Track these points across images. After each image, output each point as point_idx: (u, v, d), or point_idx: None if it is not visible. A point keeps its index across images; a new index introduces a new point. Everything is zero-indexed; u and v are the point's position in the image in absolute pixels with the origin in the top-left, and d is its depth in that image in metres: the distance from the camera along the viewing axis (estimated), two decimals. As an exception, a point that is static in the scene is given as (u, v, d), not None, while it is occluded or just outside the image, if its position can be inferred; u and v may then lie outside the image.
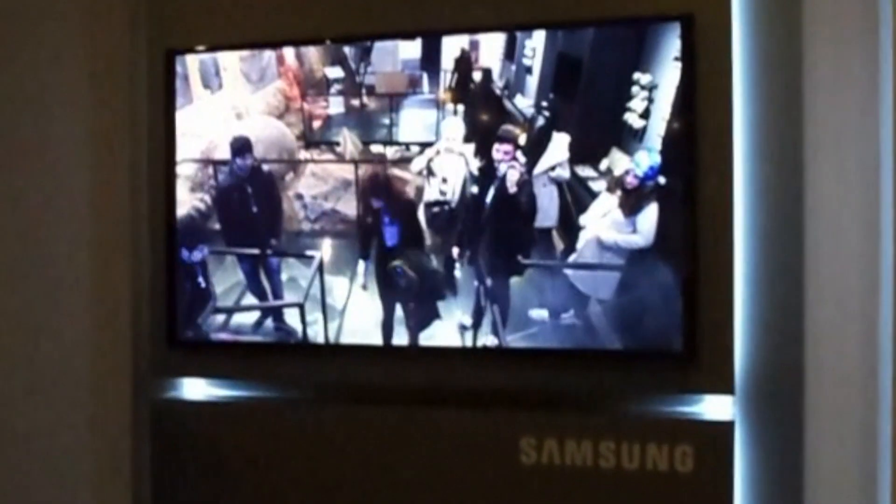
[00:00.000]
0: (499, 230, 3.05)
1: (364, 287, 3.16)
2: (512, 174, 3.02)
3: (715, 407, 2.92)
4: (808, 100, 2.83)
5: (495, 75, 3.04)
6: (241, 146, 3.24)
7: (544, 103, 2.99)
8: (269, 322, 3.25)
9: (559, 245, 2.99)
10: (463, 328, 3.07)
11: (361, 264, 3.17)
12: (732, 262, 2.88)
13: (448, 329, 3.09)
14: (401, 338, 3.13)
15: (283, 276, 3.23)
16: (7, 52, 3.29)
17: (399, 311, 3.15)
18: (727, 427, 2.89)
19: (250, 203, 3.26)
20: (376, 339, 3.15)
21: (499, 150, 3.04)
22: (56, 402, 3.32)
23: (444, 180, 3.09)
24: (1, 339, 3.30)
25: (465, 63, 3.06)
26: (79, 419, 3.32)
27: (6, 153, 3.30)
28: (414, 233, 3.13)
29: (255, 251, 3.26)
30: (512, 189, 3.02)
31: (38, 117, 3.30)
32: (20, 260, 3.31)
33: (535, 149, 3.01)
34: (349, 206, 3.16)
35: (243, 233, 3.28)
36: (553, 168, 2.99)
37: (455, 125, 3.08)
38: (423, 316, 3.12)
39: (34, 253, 3.32)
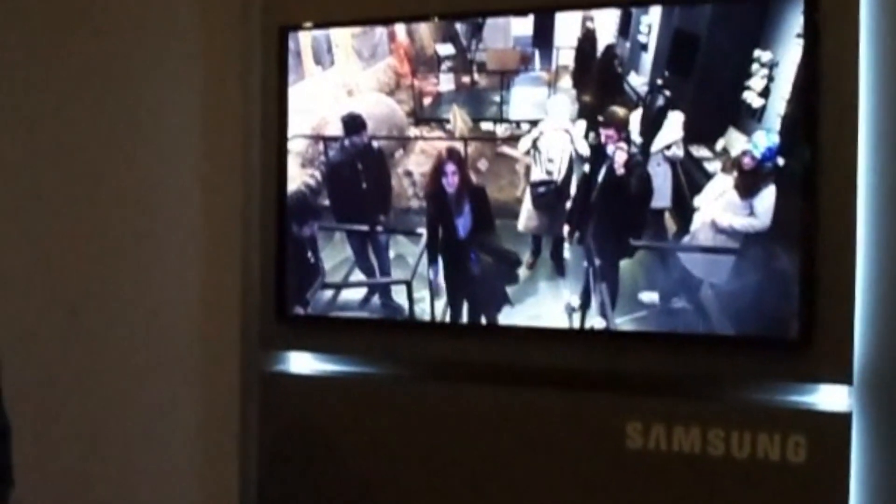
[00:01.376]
0: (608, 210, 3.00)
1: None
2: (620, 155, 2.96)
3: (831, 397, 2.82)
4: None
5: (610, 52, 2.97)
6: (356, 123, 3.25)
7: (659, 81, 2.92)
8: (376, 299, 3.26)
9: (672, 227, 2.92)
10: (571, 309, 3.03)
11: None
12: (854, 248, 2.77)
13: (556, 310, 3.05)
14: (507, 318, 3.11)
15: (391, 253, 3.24)
16: (121, 30, 3.38)
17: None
18: (843, 418, 2.78)
19: (360, 179, 3.27)
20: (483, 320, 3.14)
21: (603, 134, 2.98)
22: (170, 374, 3.41)
23: (550, 160, 3.05)
24: (119, 314, 3.40)
25: (581, 40, 3.00)
26: (191, 391, 3.40)
27: (122, 129, 3.39)
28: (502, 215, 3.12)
29: (364, 227, 3.26)
30: (620, 171, 2.96)
31: (153, 95, 3.38)
32: (135, 235, 3.39)
33: (650, 128, 2.94)
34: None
35: (353, 209, 3.29)
36: (668, 147, 2.92)
37: (562, 103, 3.03)
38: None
39: (148, 227, 3.40)
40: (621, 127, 2.97)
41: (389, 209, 3.24)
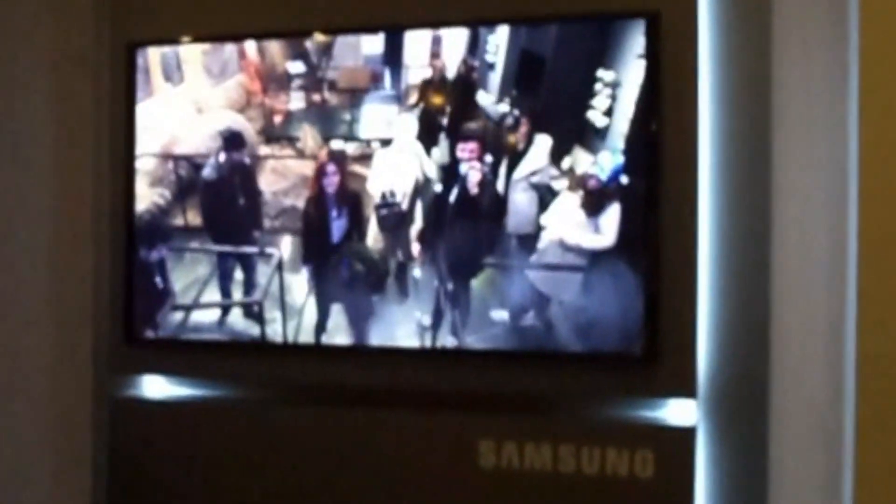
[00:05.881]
0: (460, 230, 3.00)
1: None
2: (473, 175, 2.96)
3: (677, 411, 2.87)
4: (775, 100, 2.80)
5: (460, 71, 2.98)
6: (235, 139, 3.19)
7: (507, 100, 2.94)
8: (227, 320, 3.20)
9: (520, 245, 2.93)
10: (422, 328, 3.02)
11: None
12: (696, 263, 2.83)
13: (407, 329, 3.03)
14: (351, 338, 3.10)
15: (242, 274, 3.18)
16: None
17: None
18: (689, 432, 2.83)
19: (213, 198, 3.21)
20: (335, 339, 3.11)
21: (464, 150, 2.98)
22: (17, 397, 3.29)
23: (396, 179, 3.04)
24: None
25: (430, 58, 3.01)
26: (41, 417, 3.31)
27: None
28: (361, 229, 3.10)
29: (216, 248, 3.20)
30: (473, 190, 2.97)
31: (1, 111, 3.27)
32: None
33: (503, 150, 2.95)
34: (309, 203, 3.12)
35: (206, 229, 3.23)
36: (534, 173, 2.93)
37: (410, 122, 3.03)
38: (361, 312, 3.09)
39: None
40: (477, 146, 2.97)
41: (260, 226, 3.18)
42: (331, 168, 3.09)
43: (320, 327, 3.11)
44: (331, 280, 3.10)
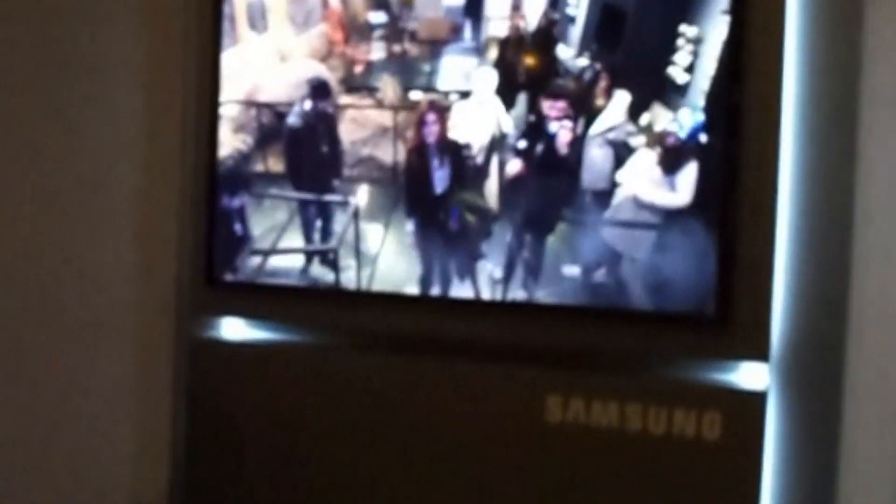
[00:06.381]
0: (536, 186, 2.99)
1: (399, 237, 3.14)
2: (564, 134, 2.94)
3: (748, 375, 2.82)
4: (867, 60, 2.69)
5: (538, 25, 2.96)
6: (321, 88, 3.21)
7: (586, 55, 2.90)
8: (304, 266, 3.25)
9: (595, 201, 2.91)
10: (493, 281, 3.03)
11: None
12: (773, 226, 2.77)
13: (479, 281, 3.05)
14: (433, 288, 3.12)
15: (320, 222, 3.23)
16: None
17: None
18: (759, 396, 2.79)
19: (296, 146, 3.26)
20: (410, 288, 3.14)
21: (552, 108, 2.95)
22: (102, 337, 3.41)
23: (473, 132, 3.04)
24: (49, 276, 3.40)
25: (509, 11, 2.99)
26: (124, 354, 3.42)
27: (60, 96, 3.39)
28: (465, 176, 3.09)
29: (296, 195, 3.25)
30: (563, 150, 2.94)
31: (92, 62, 3.38)
32: (69, 197, 3.39)
33: (582, 106, 2.93)
34: (386, 153, 3.13)
35: (288, 176, 3.27)
36: (611, 129, 2.90)
37: (489, 75, 3.01)
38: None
39: (85, 191, 3.40)
40: (567, 104, 2.94)
41: (340, 175, 3.21)
42: (430, 117, 3.09)
43: (426, 278, 3.12)
44: (435, 231, 3.12)
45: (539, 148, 2.97)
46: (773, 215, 2.77)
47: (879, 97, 2.67)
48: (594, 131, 2.90)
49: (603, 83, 2.89)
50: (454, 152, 3.08)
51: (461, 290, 3.07)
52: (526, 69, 2.99)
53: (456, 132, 3.06)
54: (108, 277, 3.40)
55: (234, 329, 3.36)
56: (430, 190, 3.10)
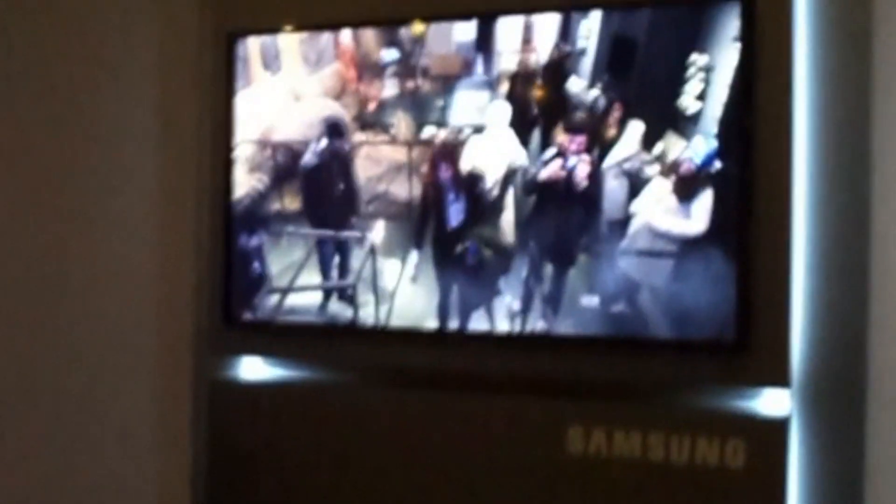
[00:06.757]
0: (553, 218, 3.00)
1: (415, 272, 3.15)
2: (582, 168, 2.95)
3: (770, 401, 2.81)
4: (876, 85, 2.71)
5: (550, 57, 2.98)
6: (337, 127, 3.24)
7: (598, 86, 2.92)
8: (322, 303, 3.26)
9: (611, 231, 2.92)
10: (512, 313, 3.03)
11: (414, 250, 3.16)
12: (790, 250, 2.77)
13: (497, 314, 3.05)
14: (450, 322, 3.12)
15: (336, 258, 3.24)
16: (75, 37, 3.41)
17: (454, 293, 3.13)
18: (782, 423, 2.78)
19: (313, 184, 3.28)
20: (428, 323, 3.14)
21: (571, 142, 2.97)
22: (122, 377, 3.42)
23: (487, 166, 3.05)
24: (69, 314, 3.42)
25: (520, 45, 3.01)
26: (143, 393, 3.42)
27: (75, 136, 3.43)
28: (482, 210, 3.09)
29: (314, 232, 3.27)
30: (583, 184, 2.95)
31: (107, 102, 3.42)
32: (88, 238, 3.42)
33: (597, 137, 2.94)
34: (402, 189, 3.15)
35: (305, 214, 3.30)
36: (627, 160, 2.92)
37: (502, 109, 3.03)
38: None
39: (104, 233, 3.43)
40: (585, 139, 2.95)
41: (357, 212, 3.23)
42: (444, 152, 3.11)
43: (443, 312, 3.12)
44: (451, 265, 3.12)
45: (558, 181, 2.98)
46: (790, 239, 2.77)
47: (891, 119, 2.68)
48: (609, 162, 2.92)
49: (616, 113, 2.91)
50: (469, 186, 3.09)
51: (479, 324, 3.07)
52: (538, 102, 3.01)
53: (470, 166, 3.07)
54: (127, 318, 3.42)
55: (252, 368, 3.37)
56: (446, 224, 3.12)
